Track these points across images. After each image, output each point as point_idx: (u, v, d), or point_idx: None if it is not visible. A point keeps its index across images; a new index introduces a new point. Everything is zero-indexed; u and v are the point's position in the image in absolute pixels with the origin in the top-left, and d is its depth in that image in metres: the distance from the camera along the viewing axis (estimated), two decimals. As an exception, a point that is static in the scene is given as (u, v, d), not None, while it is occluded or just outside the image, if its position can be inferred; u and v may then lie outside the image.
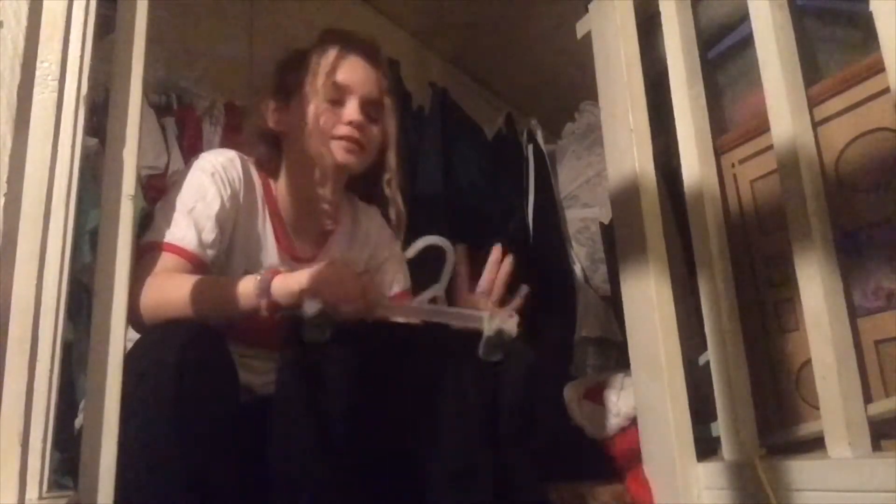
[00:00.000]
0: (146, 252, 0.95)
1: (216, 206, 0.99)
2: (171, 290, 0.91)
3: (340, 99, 1.07)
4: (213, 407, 0.80)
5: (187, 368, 0.77)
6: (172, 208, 0.98)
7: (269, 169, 1.10)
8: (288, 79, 1.10)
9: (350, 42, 1.11)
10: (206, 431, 0.78)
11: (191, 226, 0.97)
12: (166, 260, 0.94)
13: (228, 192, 1.02)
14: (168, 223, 0.97)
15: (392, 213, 1.15)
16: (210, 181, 1.01)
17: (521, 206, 1.93)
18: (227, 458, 0.81)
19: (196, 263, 0.96)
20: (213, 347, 0.84)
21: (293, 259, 1.08)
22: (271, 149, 1.10)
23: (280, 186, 1.10)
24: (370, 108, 1.08)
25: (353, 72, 1.09)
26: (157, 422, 0.75)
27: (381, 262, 1.19)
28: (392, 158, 1.13)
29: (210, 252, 0.98)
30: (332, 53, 1.09)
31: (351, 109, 1.06)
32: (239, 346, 0.96)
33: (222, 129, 1.62)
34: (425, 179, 1.78)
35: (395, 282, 1.19)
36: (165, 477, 0.75)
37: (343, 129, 1.05)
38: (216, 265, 1.01)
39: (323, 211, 1.07)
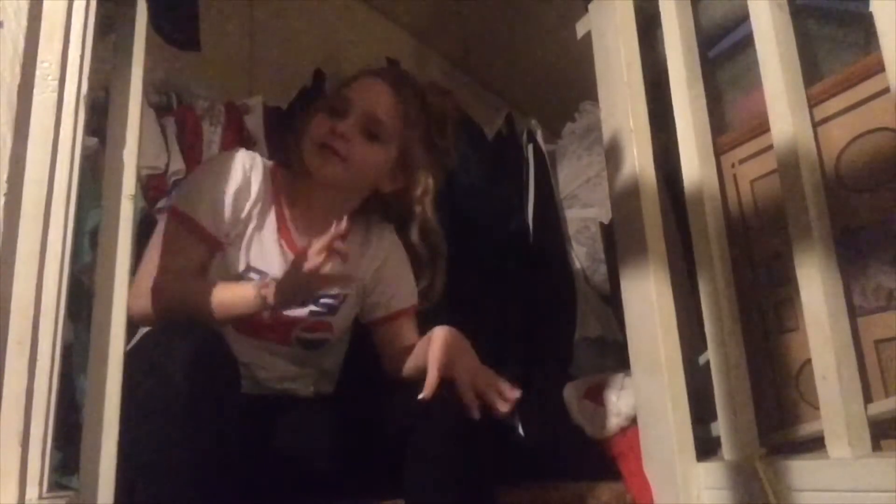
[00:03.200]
0: (164, 217, 1.05)
1: (232, 191, 1.05)
2: (175, 289, 0.97)
3: (342, 112, 1.08)
4: (218, 400, 0.83)
5: (194, 362, 0.81)
6: (192, 182, 1.09)
7: (285, 174, 1.14)
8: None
9: (380, 70, 1.16)
10: (211, 423, 0.81)
11: (205, 201, 1.03)
12: (181, 233, 1.02)
13: (244, 183, 1.07)
14: (187, 192, 1.08)
15: (415, 233, 1.17)
16: (230, 167, 1.07)
17: (521, 206, 1.93)
18: (232, 449, 0.84)
19: (205, 238, 1.03)
20: (216, 344, 0.87)
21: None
22: (292, 156, 1.13)
23: (292, 192, 1.13)
24: (372, 125, 1.08)
25: (363, 90, 1.10)
26: (166, 414, 0.78)
27: (389, 278, 1.19)
28: (418, 179, 1.14)
29: (221, 229, 1.04)
30: (356, 75, 1.13)
31: (344, 122, 1.07)
32: (248, 339, 1.05)
33: (222, 128, 1.62)
34: (425, 179, 1.78)
35: (401, 298, 1.20)
36: (173, 467, 0.77)
37: (325, 138, 1.06)
38: (226, 249, 1.06)
39: (329, 216, 1.07)
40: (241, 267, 1.05)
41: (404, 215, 1.18)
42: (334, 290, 1.11)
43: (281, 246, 1.09)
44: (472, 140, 1.93)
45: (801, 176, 1.03)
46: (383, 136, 1.09)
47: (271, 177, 1.11)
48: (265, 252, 1.08)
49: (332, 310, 1.12)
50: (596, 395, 1.37)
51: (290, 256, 1.07)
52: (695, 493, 1.10)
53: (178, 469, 0.77)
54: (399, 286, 1.20)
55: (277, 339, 1.08)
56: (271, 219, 1.09)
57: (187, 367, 0.80)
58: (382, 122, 1.08)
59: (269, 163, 1.14)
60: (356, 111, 1.07)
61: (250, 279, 1.05)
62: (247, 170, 1.07)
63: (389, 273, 1.19)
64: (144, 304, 0.95)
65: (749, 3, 1.12)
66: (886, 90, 0.94)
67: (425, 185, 1.15)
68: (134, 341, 0.94)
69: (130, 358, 0.74)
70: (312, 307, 1.10)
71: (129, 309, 0.73)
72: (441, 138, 1.17)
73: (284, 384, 1.10)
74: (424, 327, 1.23)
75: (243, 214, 1.06)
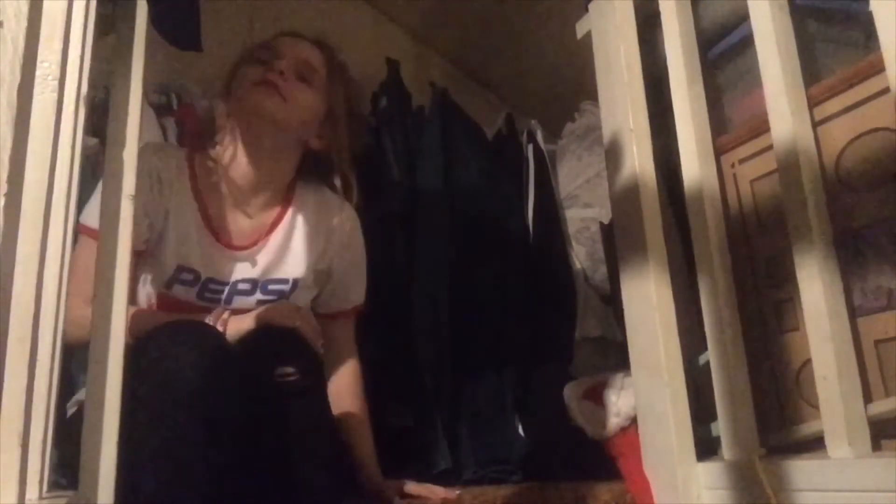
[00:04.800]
0: (79, 235, 0.98)
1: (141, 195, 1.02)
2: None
3: (274, 58, 1.09)
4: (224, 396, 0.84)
5: (200, 361, 0.82)
6: (95, 192, 0.99)
7: (204, 157, 1.12)
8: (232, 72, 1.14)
9: (299, 32, 1.18)
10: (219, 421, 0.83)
11: None
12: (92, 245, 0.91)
13: (154, 181, 1.05)
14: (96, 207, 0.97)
15: (338, 182, 1.18)
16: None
17: (521, 206, 1.93)
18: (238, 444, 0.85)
19: None
20: (217, 344, 0.88)
21: (227, 247, 1.10)
22: (208, 138, 1.13)
23: (215, 173, 1.11)
24: (304, 69, 1.11)
25: (290, 43, 1.13)
26: (175, 412, 0.80)
27: (346, 271, 1.22)
28: (339, 131, 1.16)
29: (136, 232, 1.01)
30: (275, 35, 1.16)
31: (278, 62, 1.08)
32: None
33: (222, 128, 1.62)
34: (425, 179, 1.78)
35: (351, 296, 1.23)
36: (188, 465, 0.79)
37: (264, 75, 1.07)
38: (149, 254, 1.05)
39: (265, 185, 1.10)
40: (172, 269, 1.06)
41: (327, 172, 1.20)
42: (281, 276, 1.13)
43: (202, 233, 1.08)
44: (472, 140, 1.93)
45: (801, 176, 1.03)
46: (315, 83, 1.12)
47: (187, 161, 1.11)
48: (190, 247, 1.07)
49: (281, 296, 1.13)
50: (596, 395, 1.37)
51: (212, 244, 1.08)
52: (695, 493, 1.10)
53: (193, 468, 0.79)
54: (355, 280, 1.23)
55: None
56: (191, 205, 1.09)
57: (196, 366, 0.81)
58: (314, 67, 1.12)
59: (182, 150, 1.14)
60: (288, 56, 1.10)
61: (183, 280, 1.06)
62: (150, 161, 1.05)
63: (347, 260, 1.21)
64: (77, 333, 0.78)
65: (749, 3, 1.12)
66: (886, 90, 0.94)
67: (346, 143, 1.17)
68: None
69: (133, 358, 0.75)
70: (260, 296, 1.11)
71: (63, 334, 0.71)
72: (358, 107, 1.22)
73: None
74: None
75: (154, 206, 1.05)
